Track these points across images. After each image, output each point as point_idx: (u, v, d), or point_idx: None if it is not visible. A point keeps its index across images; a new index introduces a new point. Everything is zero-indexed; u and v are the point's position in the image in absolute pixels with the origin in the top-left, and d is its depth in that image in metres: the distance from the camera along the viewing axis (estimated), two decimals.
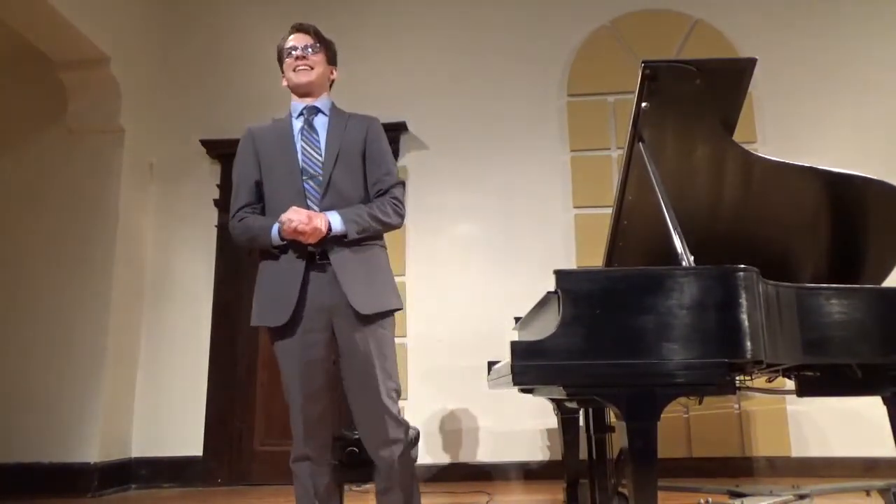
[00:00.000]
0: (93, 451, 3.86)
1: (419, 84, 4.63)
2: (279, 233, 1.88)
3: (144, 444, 4.24)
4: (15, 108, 4.49)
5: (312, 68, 2.04)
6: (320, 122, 2.06)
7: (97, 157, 4.28)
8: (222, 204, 4.54)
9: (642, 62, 1.99)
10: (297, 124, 2.05)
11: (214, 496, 3.80)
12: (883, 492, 2.48)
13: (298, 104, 2.08)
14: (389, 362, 1.93)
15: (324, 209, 1.91)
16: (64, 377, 3.97)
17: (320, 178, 1.95)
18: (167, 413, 4.27)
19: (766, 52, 4.12)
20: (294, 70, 2.03)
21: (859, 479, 3.52)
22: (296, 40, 2.07)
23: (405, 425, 1.95)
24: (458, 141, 4.53)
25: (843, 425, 3.89)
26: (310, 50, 2.05)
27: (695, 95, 2.06)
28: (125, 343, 4.22)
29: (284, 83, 2.10)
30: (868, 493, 2.71)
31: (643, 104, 2.04)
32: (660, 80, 2.00)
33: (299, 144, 2.00)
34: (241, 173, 2.04)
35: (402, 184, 2.10)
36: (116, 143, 4.29)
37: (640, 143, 2.09)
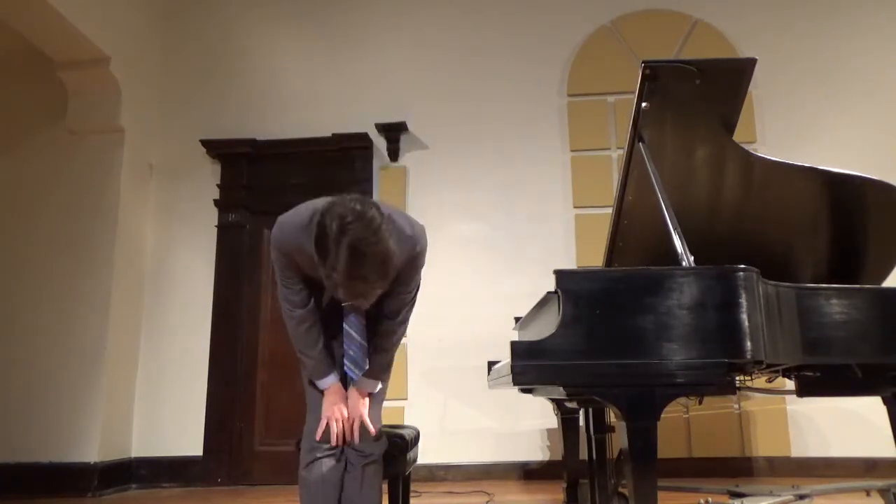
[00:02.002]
0: (93, 451, 3.85)
1: (419, 84, 4.63)
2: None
3: (144, 444, 4.23)
4: (15, 108, 4.49)
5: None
6: None
7: (97, 157, 4.28)
8: (222, 204, 4.54)
9: (642, 62, 1.99)
10: None
11: (214, 496, 3.80)
12: (883, 492, 2.47)
13: None
14: (378, 405, 1.98)
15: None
16: (64, 377, 3.96)
17: (361, 366, 1.91)
18: (167, 413, 4.27)
19: (766, 52, 4.12)
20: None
21: (859, 479, 3.52)
22: (350, 291, 1.57)
23: (383, 442, 1.98)
24: (458, 141, 4.53)
25: (843, 425, 3.89)
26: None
27: (695, 95, 2.06)
28: (125, 343, 4.21)
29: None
30: (868, 493, 2.71)
31: (643, 104, 2.05)
32: (660, 80, 2.00)
33: (344, 325, 1.90)
34: (287, 276, 1.85)
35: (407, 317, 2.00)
36: (116, 143, 4.29)
37: (641, 143, 2.09)
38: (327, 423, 1.88)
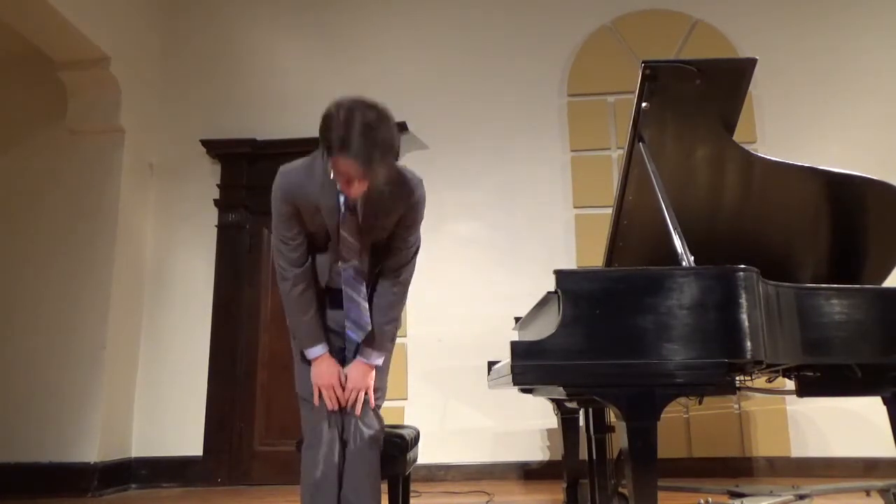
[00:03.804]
0: (93, 451, 3.85)
1: (419, 84, 4.63)
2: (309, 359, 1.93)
3: (144, 444, 4.23)
4: (15, 108, 4.49)
5: (363, 189, 1.75)
6: (362, 201, 1.85)
7: (97, 157, 4.28)
8: (222, 204, 4.54)
9: (642, 62, 1.99)
10: (341, 198, 1.84)
11: (214, 496, 3.80)
12: (883, 492, 2.48)
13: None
14: (383, 376, 2.01)
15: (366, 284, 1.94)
16: (64, 377, 3.96)
17: (359, 262, 1.92)
18: (167, 413, 4.27)
19: (766, 52, 4.11)
20: (345, 190, 1.75)
21: (859, 479, 3.53)
22: (351, 169, 1.63)
23: (379, 438, 1.97)
24: (458, 141, 4.53)
25: (843, 425, 3.89)
26: (368, 174, 1.70)
27: (695, 95, 2.06)
28: (125, 343, 4.21)
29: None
30: (868, 493, 2.71)
31: (643, 104, 2.05)
32: (660, 80, 2.01)
33: (342, 232, 1.88)
34: (285, 228, 1.88)
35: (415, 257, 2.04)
36: (116, 143, 4.29)
37: (641, 143, 2.09)
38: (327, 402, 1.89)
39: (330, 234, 1.89)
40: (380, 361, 1.96)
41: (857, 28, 4.43)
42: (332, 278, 1.95)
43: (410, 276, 2.01)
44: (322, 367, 1.91)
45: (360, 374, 1.92)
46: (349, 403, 1.90)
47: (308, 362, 1.96)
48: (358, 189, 1.71)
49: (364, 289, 1.93)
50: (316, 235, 1.91)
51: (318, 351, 1.93)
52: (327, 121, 1.62)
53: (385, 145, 1.62)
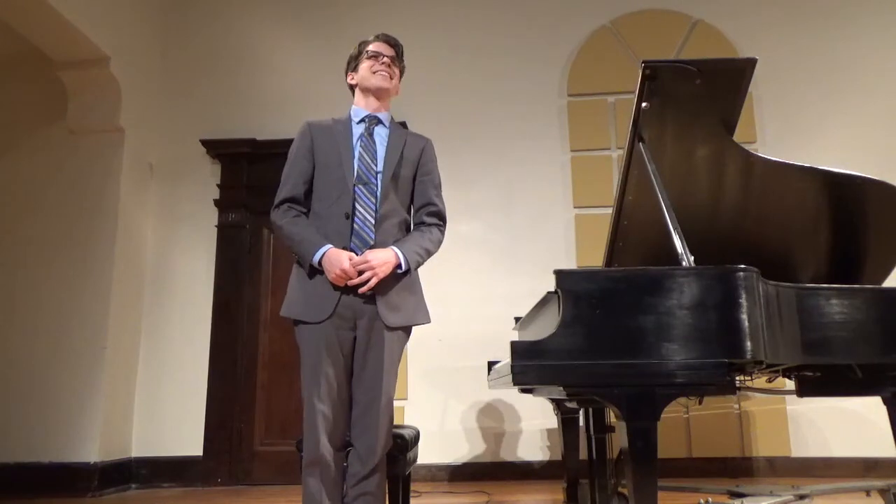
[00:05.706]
0: (93, 451, 3.85)
1: (419, 84, 4.61)
2: (320, 262, 1.92)
3: (144, 444, 4.23)
4: (15, 108, 4.48)
5: (391, 78, 2.11)
6: (380, 133, 2.10)
7: (97, 157, 4.28)
8: (222, 204, 4.54)
9: (642, 62, 1.99)
10: (358, 129, 2.09)
11: (214, 496, 3.80)
12: (883, 492, 2.48)
13: (361, 110, 2.13)
14: (392, 377, 1.98)
15: (376, 220, 1.97)
16: (64, 377, 3.96)
17: (373, 185, 1.99)
18: (167, 413, 4.27)
19: (766, 52, 4.13)
20: (374, 72, 2.09)
21: (859, 480, 3.53)
22: (382, 48, 2.11)
23: (388, 445, 1.96)
24: (459, 141, 4.53)
25: (843, 425, 3.89)
26: (395, 61, 2.14)
27: (695, 95, 2.06)
28: (125, 343, 4.21)
29: (351, 80, 2.18)
30: (868, 493, 2.71)
31: (643, 104, 2.04)
32: (660, 80, 2.00)
33: (357, 150, 2.03)
34: (295, 165, 2.05)
35: (443, 213, 2.15)
36: (116, 143, 4.29)
37: (641, 143, 2.09)
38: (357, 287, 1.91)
39: (343, 161, 1.99)
40: (404, 265, 1.94)
41: (857, 28, 4.43)
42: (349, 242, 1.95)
43: (440, 224, 2.10)
44: (331, 257, 1.89)
45: (382, 255, 1.91)
46: (358, 279, 1.88)
47: (310, 367, 1.92)
48: (386, 75, 2.06)
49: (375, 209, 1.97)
50: (331, 172, 1.99)
51: (323, 249, 1.91)
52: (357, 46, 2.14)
53: (402, 50, 2.15)
